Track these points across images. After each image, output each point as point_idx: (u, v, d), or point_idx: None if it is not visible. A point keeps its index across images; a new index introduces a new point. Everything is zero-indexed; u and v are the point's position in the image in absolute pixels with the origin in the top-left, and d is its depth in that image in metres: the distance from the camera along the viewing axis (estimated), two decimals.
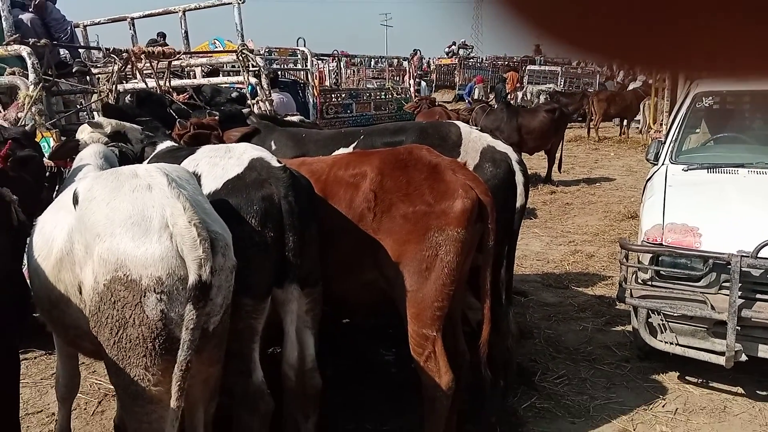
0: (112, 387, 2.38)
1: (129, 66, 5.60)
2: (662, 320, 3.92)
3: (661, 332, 3.95)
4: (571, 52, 0.53)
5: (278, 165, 2.71)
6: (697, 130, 5.62)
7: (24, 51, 4.39)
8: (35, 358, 4.37)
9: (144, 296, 2.04)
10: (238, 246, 2.33)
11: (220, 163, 2.77)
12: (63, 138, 3.91)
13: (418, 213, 2.90)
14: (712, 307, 3.71)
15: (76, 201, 2.29)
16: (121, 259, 2.07)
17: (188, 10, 7.48)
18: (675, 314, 3.83)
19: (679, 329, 3.89)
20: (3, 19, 4.87)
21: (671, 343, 3.93)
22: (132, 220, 2.12)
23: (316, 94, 9.08)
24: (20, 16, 6.10)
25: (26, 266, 2.61)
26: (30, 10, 6.59)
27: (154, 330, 2.05)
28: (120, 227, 2.11)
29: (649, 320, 3.96)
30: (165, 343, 2.06)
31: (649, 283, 4.01)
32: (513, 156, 3.78)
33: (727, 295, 3.66)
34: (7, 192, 2.66)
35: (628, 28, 0.47)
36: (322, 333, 2.93)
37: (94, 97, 5.72)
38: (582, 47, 0.52)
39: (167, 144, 3.48)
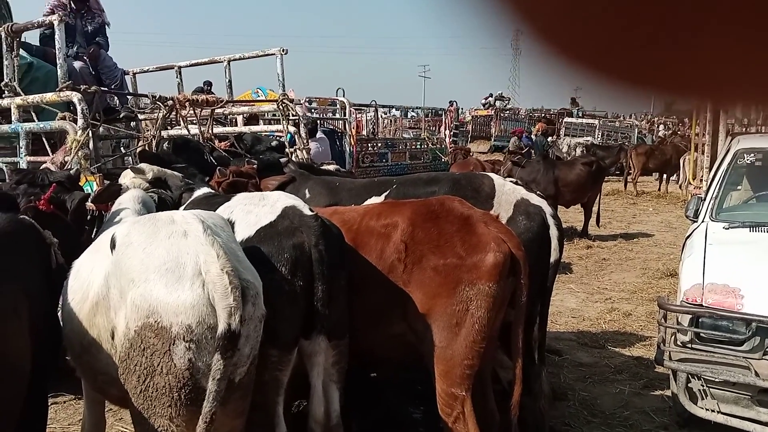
0: None
1: (174, 113, 5.79)
2: (703, 385, 3.75)
3: (702, 398, 3.77)
4: (617, 88, 0.52)
5: (310, 213, 2.73)
6: (739, 187, 5.49)
7: (74, 97, 4.60)
8: (64, 402, 4.39)
9: (173, 344, 2.05)
10: (267, 294, 2.34)
11: (253, 210, 2.81)
12: (106, 182, 4.03)
13: (449, 266, 2.87)
14: (757, 374, 3.54)
15: (113, 245, 2.34)
16: (153, 305, 2.09)
17: (233, 60, 7.76)
18: (716, 380, 3.66)
19: (721, 396, 3.71)
20: (59, 67, 5.12)
21: (713, 411, 3.74)
22: (166, 267, 2.15)
23: (352, 143, 9.22)
24: (73, 64, 6.40)
25: (60, 309, 2.65)
26: (84, 58, 6.93)
27: (181, 379, 2.04)
28: (154, 273, 2.14)
29: (689, 385, 3.79)
30: (191, 394, 2.05)
31: (689, 345, 3.86)
32: (547, 209, 3.75)
33: None
34: (49, 235, 2.73)
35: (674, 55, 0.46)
36: (349, 387, 2.88)
37: (140, 142, 5.92)
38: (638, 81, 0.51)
39: (204, 190, 3.56)
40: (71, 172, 3.44)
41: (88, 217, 3.42)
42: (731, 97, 0.54)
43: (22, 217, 2.76)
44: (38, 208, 2.89)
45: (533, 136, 16.55)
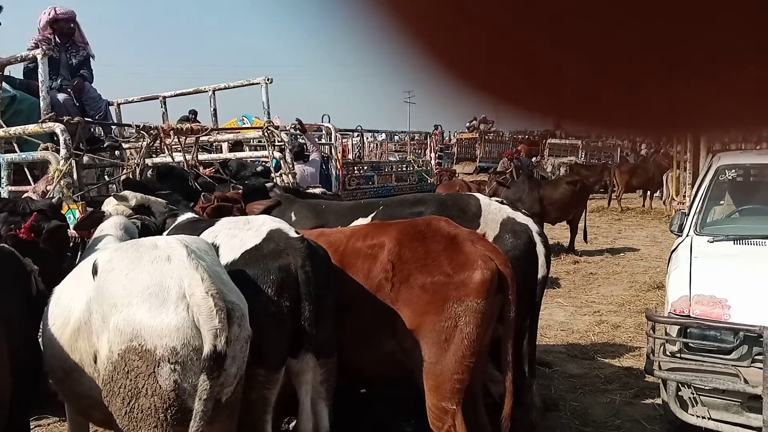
0: None
1: (158, 141, 5.80)
2: (693, 393, 3.76)
3: (693, 406, 3.78)
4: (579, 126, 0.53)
5: (296, 236, 2.74)
6: (722, 202, 5.58)
7: (57, 128, 4.60)
8: (48, 425, 4.31)
9: (158, 366, 2.03)
10: (253, 315, 2.33)
11: (238, 234, 2.81)
12: (89, 209, 4.01)
13: (436, 284, 2.88)
14: (746, 381, 3.56)
15: (95, 271, 2.32)
16: (137, 329, 2.07)
17: (218, 90, 7.79)
18: (706, 387, 3.68)
19: (712, 403, 3.72)
20: (41, 99, 5.13)
21: (703, 418, 3.75)
22: (150, 291, 2.14)
23: (339, 167, 9.26)
24: (57, 96, 6.41)
25: (41, 335, 2.63)
26: (68, 90, 6.94)
27: (166, 400, 2.02)
28: (137, 297, 2.13)
29: (680, 393, 3.80)
30: (177, 414, 2.03)
31: (678, 355, 3.88)
32: (533, 227, 3.78)
33: (761, 368, 3.51)
34: (29, 262, 2.72)
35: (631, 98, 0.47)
36: (338, 404, 2.86)
37: (124, 170, 5.91)
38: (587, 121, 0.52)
39: (188, 216, 3.55)
40: (53, 200, 3.43)
41: (71, 243, 3.40)
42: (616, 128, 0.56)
43: (1, 245, 2.75)
44: (18, 236, 2.88)
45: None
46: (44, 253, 2.92)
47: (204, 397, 2.00)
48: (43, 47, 5.95)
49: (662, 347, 4.01)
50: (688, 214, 5.20)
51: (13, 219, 3.01)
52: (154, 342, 2.04)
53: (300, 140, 9.60)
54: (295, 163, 6.76)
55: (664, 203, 16.23)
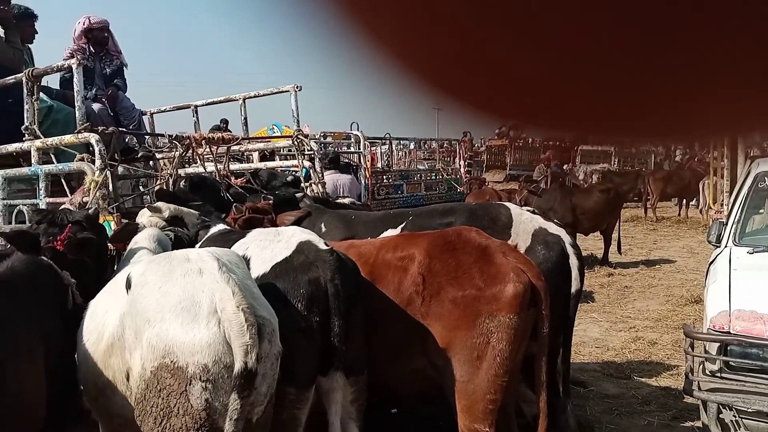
0: None
1: (190, 151, 5.86)
2: (735, 416, 3.62)
3: (735, 429, 3.64)
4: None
5: (325, 248, 2.72)
6: (761, 211, 5.40)
7: (92, 138, 4.66)
8: None
9: (189, 384, 2.02)
10: (283, 331, 2.31)
11: (269, 246, 2.81)
12: (124, 221, 4.05)
13: (467, 297, 2.83)
14: None
15: (129, 285, 2.33)
16: (169, 345, 2.07)
17: (248, 98, 7.85)
18: (749, 410, 3.54)
19: (755, 427, 3.58)
20: (77, 109, 5.21)
21: None
22: (182, 305, 2.14)
23: (368, 176, 9.25)
24: (92, 106, 6.52)
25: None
26: (102, 100, 7.07)
27: (198, 420, 2.01)
28: (170, 312, 2.13)
29: (721, 416, 3.67)
30: None
31: (719, 374, 3.75)
32: (566, 238, 3.70)
33: None
34: (66, 275, 2.75)
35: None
36: (368, 423, 2.82)
37: (157, 181, 5.98)
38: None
39: (220, 227, 3.56)
40: (89, 211, 3.47)
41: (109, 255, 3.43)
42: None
43: (40, 258, 2.78)
44: (55, 248, 2.90)
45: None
46: (83, 266, 2.93)
47: (235, 417, 1.98)
48: (78, 57, 6.06)
49: (701, 366, 3.88)
50: (726, 224, 5.05)
51: (52, 230, 3.03)
52: (186, 359, 2.04)
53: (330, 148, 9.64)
54: (330, 171, 6.74)
55: (700, 212, 15.86)
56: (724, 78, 0.42)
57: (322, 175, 6.37)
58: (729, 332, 3.73)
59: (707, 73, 0.42)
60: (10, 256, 2.67)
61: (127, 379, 2.24)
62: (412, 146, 18.27)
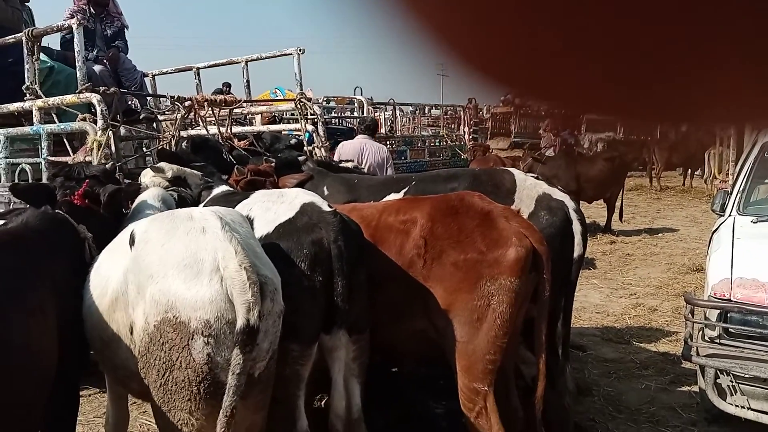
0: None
1: (192, 113, 5.82)
2: (732, 381, 3.66)
3: (731, 395, 3.68)
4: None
5: (329, 210, 2.72)
6: (766, 181, 5.37)
7: (94, 98, 4.64)
8: (89, 395, 4.43)
9: (192, 339, 2.04)
10: (286, 290, 2.32)
11: (272, 207, 2.80)
12: (127, 181, 4.05)
13: (469, 261, 2.83)
14: None
15: (132, 242, 2.34)
16: (172, 300, 2.09)
17: (250, 61, 7.77)
18: (746, 376, 3.58)
19: (752, 392, 3.62)
20: (78, 69, 5.17)
21: (743, 407, 3.65)
22: (185, 263, 2.15)
23: None
24: (93, 68, 6.47)
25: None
26: (104, 61, 7.00)
27: (200, 374, 2.04)
28: (173, 269, 2.14)
29: (718, 381, 3.70)
30: (210, 388, 2.05)
31: (717, 341, 3.77)
32: (570, 204, 3.68)
33: None
34: (83, 229, 2.75)
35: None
36: (370, 382, 2.86)
37: (160, 142, 5.96)
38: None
39: (223, 188, 3.56)
40: (107, 166, 3.45)
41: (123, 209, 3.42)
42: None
43: (56, 212, 2.78)
44: (72, 202, 2.90)
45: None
46: (98, 220, 2.93)
47: (237, 372, 2.01)
48: (78, 17, 5.99)
49: (701, 332, 3.91)
50: (731, 193, 5.04)
51: (69, 184, 3.02)
52: (188, 314, 2.06)
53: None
54: (362, 136, 6.66)
55: (705, 182, 15.79)
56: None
57: (325, 139, 6.34)
58: (730, 299, 3.74)
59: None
60: (25, 211, 2.68)
61: (131, 333, 2.26)
62: (416, 112, 18.13)
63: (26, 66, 5.31)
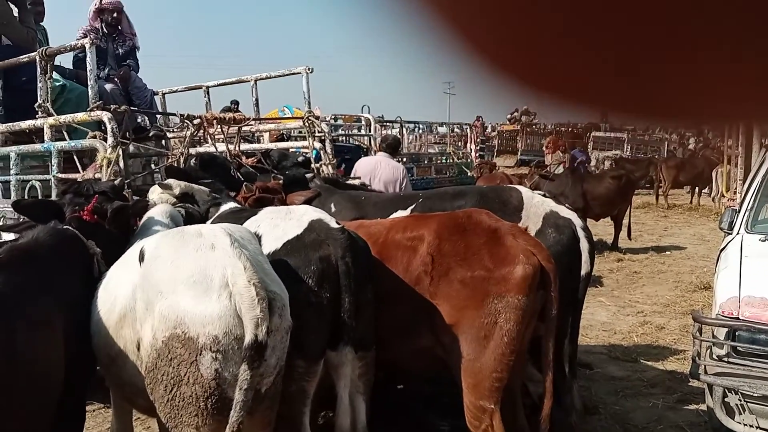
0: None
1: (202, 131, 5.88)
2: (741, 400, 3.63)
3: (740, 413, 3.65)
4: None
5: (337, 227, 2.74)
6: None
7: (105, 116, 4.70)
8: (93, 410, 4.43)
9: (200, 354, 2.06)
10: (294, 306, 2.34)
11: (280, 224, 2.83)
12: (135, 198, 4.09)
13: (476, 278, 2.84)
14: None
15: (142, 258, 2.37)
16: (181, 316, 2.10)
17: (259, 80, 7.85)
18: (755, 394, 3.55)
19: (760, 411, 3.59)
20: (89, 88, 5.24)
21: (751, 426, 3.62)
22: (194, 279, 2.17)
23: None
24: (105, 86, 6.56)
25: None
26: (115, 79, 7.09)
27: (207, 389, 2.05)
28: (182, 285, 2.16)
29: (726, 400, 3.67)
30: (217, 403, 2.06)
31: (726, 359, 3.75)
32: (577, 222, 3.69)
33: None
34: (92, 245, 2.78)
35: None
36: (375, 399, 2.86)
37: (168, 159, 6.01)
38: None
39: (231, 205, 3.59)
40: (116, 182, 3.49)
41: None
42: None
43: (65, 227, 2.81)
44: (82, 218, 2.94)
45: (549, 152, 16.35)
46: (108, 236, 2.96)
47: (244, 387, 2.02)
48: (91, 37, 6.08)
49: (709, 351, 3.88)
50: (739, 211, 5.02)
51: (77, 200, 3.06)
52: (197, 330, 2.07)
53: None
54: (387, 156, 6.62)
55: (713, 200, 15.74)
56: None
57: (333, 156, 6.37)
58: (738, 318, 3.72)
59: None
60: (37, 226, 2.71)
61: (138, 349, 2.28)
62: (422, 129, 18.20)
63: (39, 84, 5.39)
